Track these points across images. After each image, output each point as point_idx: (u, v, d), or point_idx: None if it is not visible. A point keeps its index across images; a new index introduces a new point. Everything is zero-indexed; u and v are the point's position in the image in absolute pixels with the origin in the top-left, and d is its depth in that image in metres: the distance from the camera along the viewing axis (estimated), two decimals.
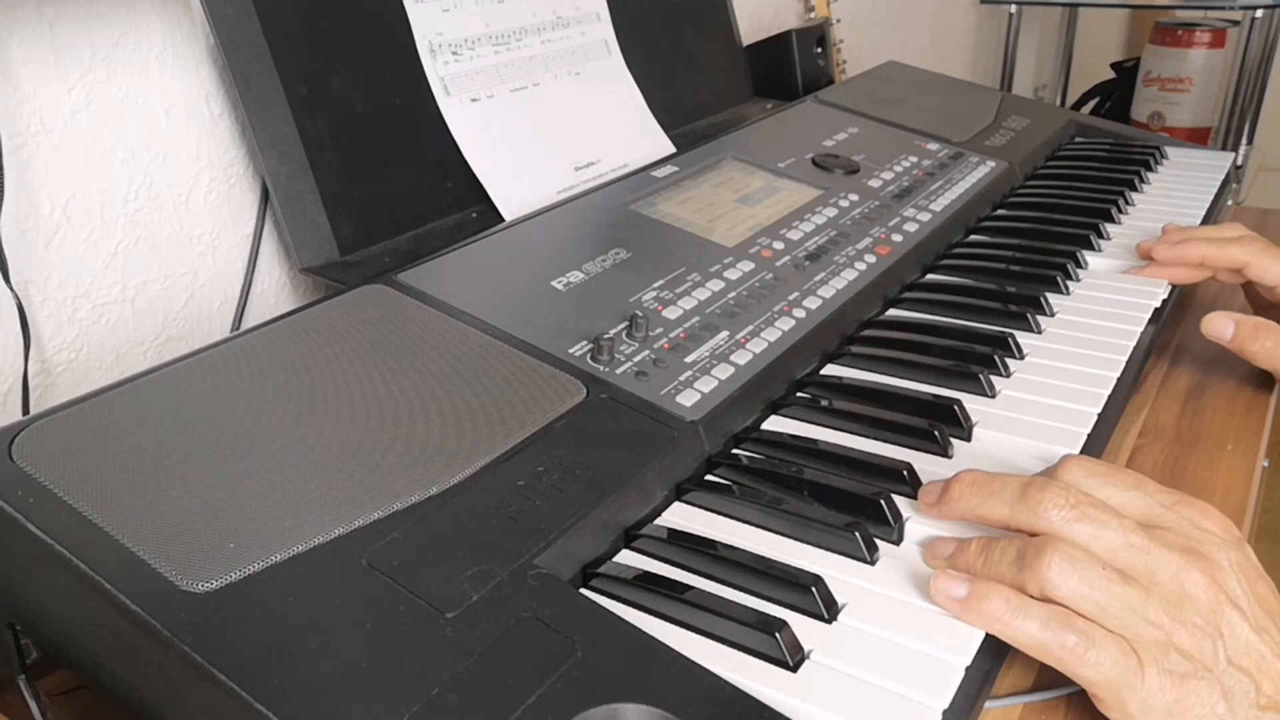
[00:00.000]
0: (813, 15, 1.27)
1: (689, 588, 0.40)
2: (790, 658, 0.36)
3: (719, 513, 0.45)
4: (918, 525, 0.44)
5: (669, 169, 0.72)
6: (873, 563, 0.41)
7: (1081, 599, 0.37)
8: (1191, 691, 0.36)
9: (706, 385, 0.50)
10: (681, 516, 0.45)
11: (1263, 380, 0.62)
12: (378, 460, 0.42)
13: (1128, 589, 0.37)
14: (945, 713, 0.34)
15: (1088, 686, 0.37)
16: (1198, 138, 1.93)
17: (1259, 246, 0.63)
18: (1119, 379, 0.55)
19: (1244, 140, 1.78)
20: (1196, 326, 0.63)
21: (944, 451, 0.48)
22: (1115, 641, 0.36)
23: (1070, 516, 0.38)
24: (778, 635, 0.36)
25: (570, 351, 0.50)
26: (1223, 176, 0.86)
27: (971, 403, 0.52)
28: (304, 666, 0.33)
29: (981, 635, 0.37)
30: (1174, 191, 0.83)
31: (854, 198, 0.72)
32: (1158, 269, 0.66)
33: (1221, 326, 0.59)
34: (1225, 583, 0.38)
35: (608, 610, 0.37)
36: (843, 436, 0.50)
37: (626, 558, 0.43)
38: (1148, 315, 0.61)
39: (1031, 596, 0.37)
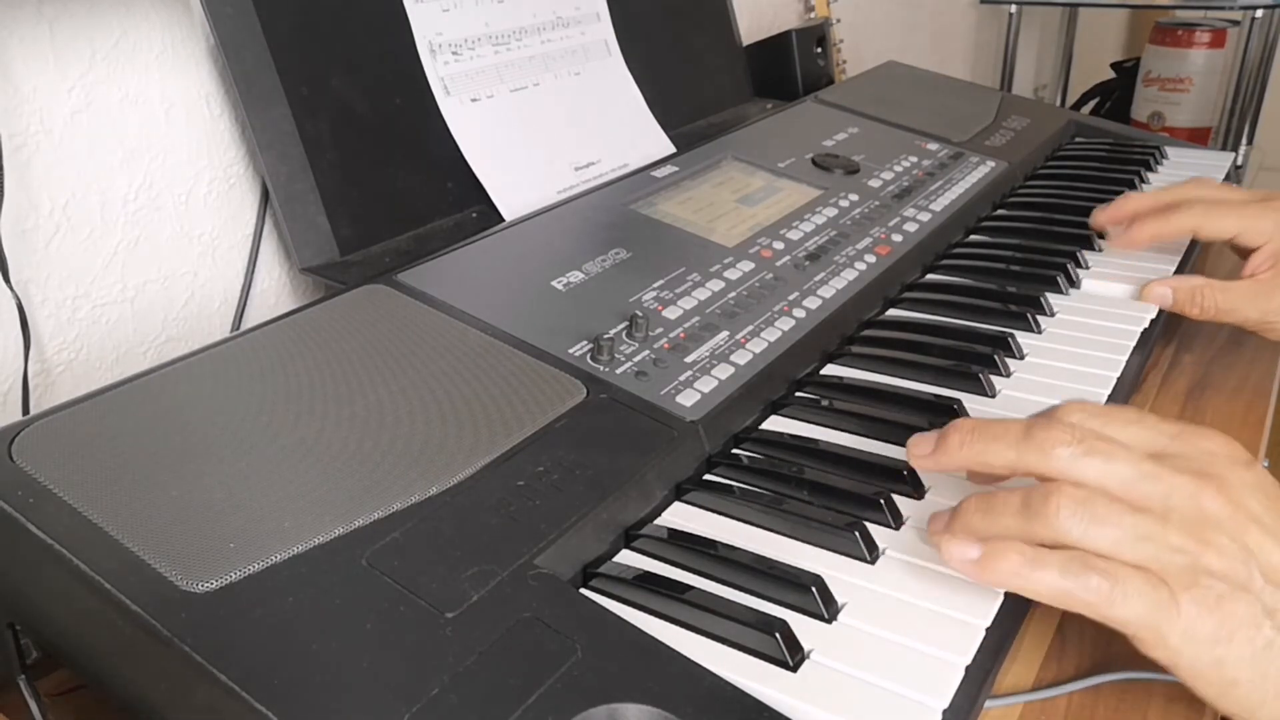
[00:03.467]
0: (813, 15, 1.27)
1: (689, 588, 0.40)
2: (790, 658, 0.36)
3: (719, 513, 0.45)
4: (916, 527, 0.44)
5: (669, 169, 0.72)
6: (873, 563, 0.41)
7: (1098, 537, 0.35)
8: (1232, 614, 0.34)
9: (706, 385, 0.50)
10: (681, 516, 0.45)
11: (1263, 380, 0.62)
12: (378, 460, 0.42)
13: (1144, 519, 0.35)
14: (945, 713, 0.34)
15: (1123, 627, 0.35)
16: (1198, 138, 1.92)
17: (1201, 207, 0.62)
18: (1119, 379, 0.55)
19: (1244, 140, 1.77)
20: (1196, 326, 0.64)
21: None
22: (1142, 575, 0.34)
23: (1079, 452, 0.37)
24: (778, 635, 0.36)
25: (570, 351, 0.50)
26: (1222, 176, 0.86)
27: (971, 403, 0.52)
28: (304, 666, 0.33)
29: (982, 635, 0.37)
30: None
31: (854, 198, 0.72)
32: (1136, 231, 0.65)
33: (1159, 296, 0.60)
34: (1244, 500, 0.36)
35: (608, 610, 0.37)
36: (843, 436, 0.50)
37: (626, 558, 0.43)
38: (1148, 315, 0.61)
39: (1046, 547, 0.36)
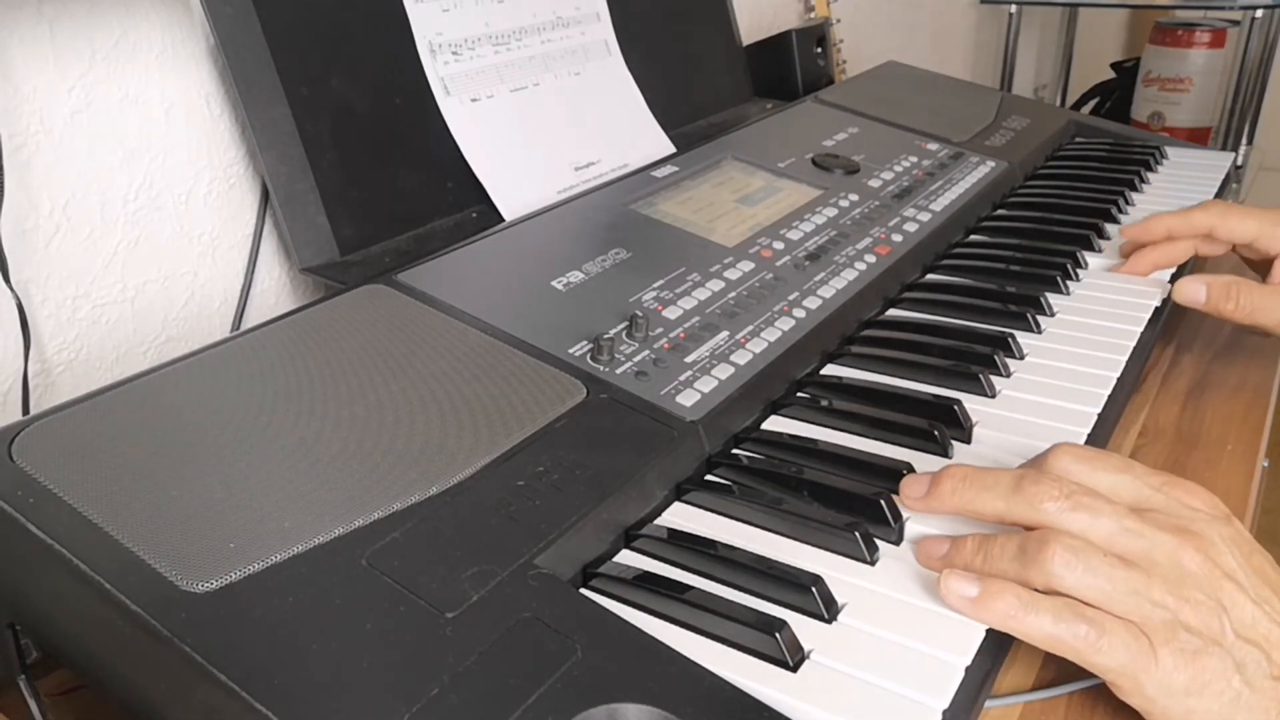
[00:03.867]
0: (813, 15, 1.27)
1: (689, 588, 0.40)
2: (790, 658, 0.36)
3: (719, 513, 0.45)
4: (918, 525, 0.44)
5: (669, 169, 0.72)
6: (873, 563, 0.41)
7: (1087, 588, 0.37)
8: (1206, 668, 0.36)
9: (706, 385, 0.50)
10: (681, 516, 0.45)
11: (1263, 380, 0.62)
12: (378, 460, 0.42)
13: (1130, 573, 0.37)
14: (945, 713, 0.34)
15: (1104, 674, 0.37)
16: (1198, 138, 1.92)
17: (1220, 208, 0.64)
18: (1119, 379, 0.55)
19: (1244, 140, 1.77)
20: (1197, 326, 0.64)
21: (944, 451, 0.48)
22: (1125, 627, 0.36)
23: (1065, 507, 0.39)
24: (778, 635, 0.36)
25: (570, 351, 0.50)
26: (1223, 176, 0.86)
27: (971, 403, 0.52)
28: (304, 666, 0.33)
29: (982, 635, 0.37)
30: (1174, 192, 0.83)
31: (854, 198, 0.72)
32: (1136, 260, 0.67)
33: (1193, 291, 0.59)
34: (1220, 558, 0.38)
35: (608, 610, 0.37)
36: (843, 436, 0.50)
37: (626, 558, 0.43)
38: (1148, 315, 0.62)
39: (1037, 590, 0.38)
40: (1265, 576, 0.39)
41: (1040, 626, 0.37)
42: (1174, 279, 0.67)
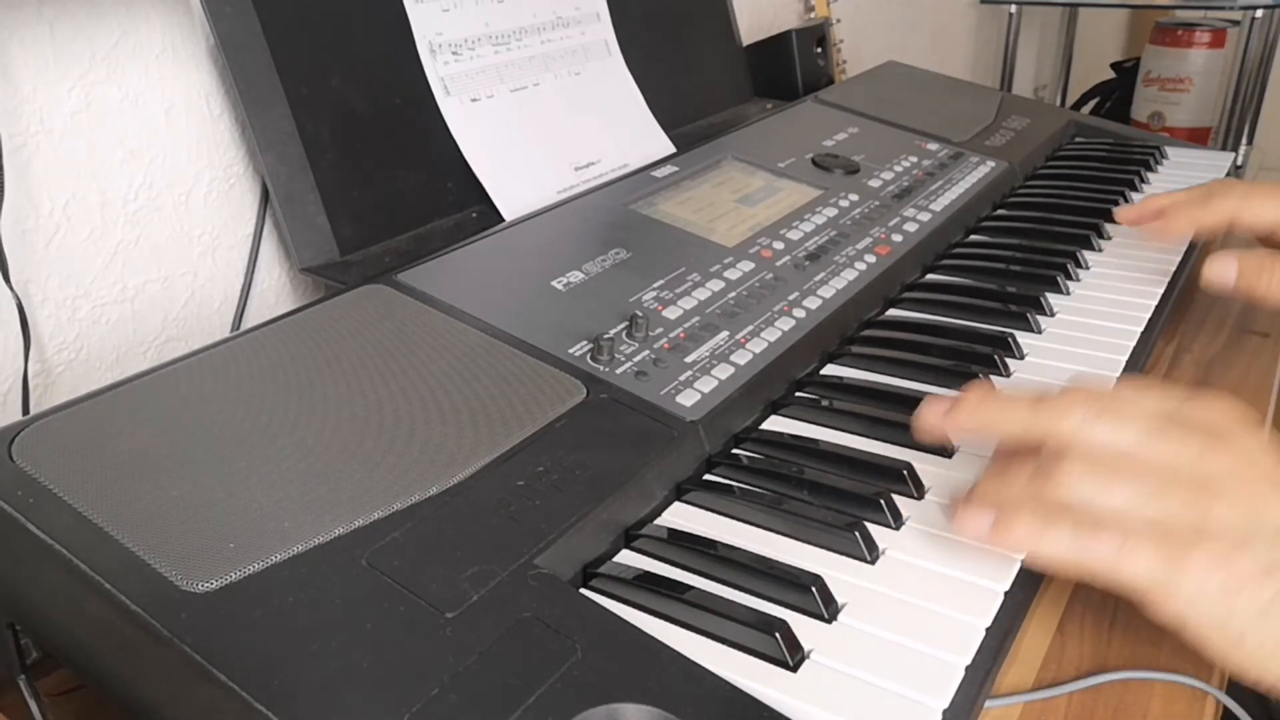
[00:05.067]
0: (813, 15, 1.27)
1: (689, 588, 0.40)
2: (790, 658, 0.36)
3: (719, 513, 0.45)
4: (917, 525, 0.44)
5: (669, 169, 0.72)
6: (873, 563, 0.41)
7: (1108, 497, 0.36)
8: (1239, 569, 0.35)
9: (706, 385, 0.50)
10: (681, 516, 0.45)
11: (1263, 380, 0.62)
12: (378, 460, 0.42)
13: (1153, 478, 0.36)
14: (945, 713, 0.34)
15: (1134, 590, 0.35)
16: (1198, 138, 1.92)
17: (1239, 191, 0.60)
18: (1119, 379, 0.55)
19: (1244, 140, 1.78)
20: (1197, 327, 0.64)
21: (944, 451, 0.48)
22: (1150, 535, 0.35)
23: (1091, 414, 0.38)
24: (778, 635, 0.36)
25: (570, 351, 0.50)
26: (1223, 176, 0.86)
27: None
28: (304, 666, 0.33)
29: (981, 635, 0.37)
30: (1174, 191, 0.83)
31: (854, 198, 0.72)
32: (1171, 220, 0.63)
33: (1223, 269, 0.55)
34: (1251, 458, 0.37)
35: (608, 610, 0.37)
36: (843, 436, 0.50)
37: (626, 558, 0.43)
38: (1148, 315, 0.62)
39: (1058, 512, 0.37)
40: None
41: (1059, 545, 0.36)
42: (1175, 276, 0.67)
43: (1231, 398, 0.40)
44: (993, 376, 0.54)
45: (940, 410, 0.42)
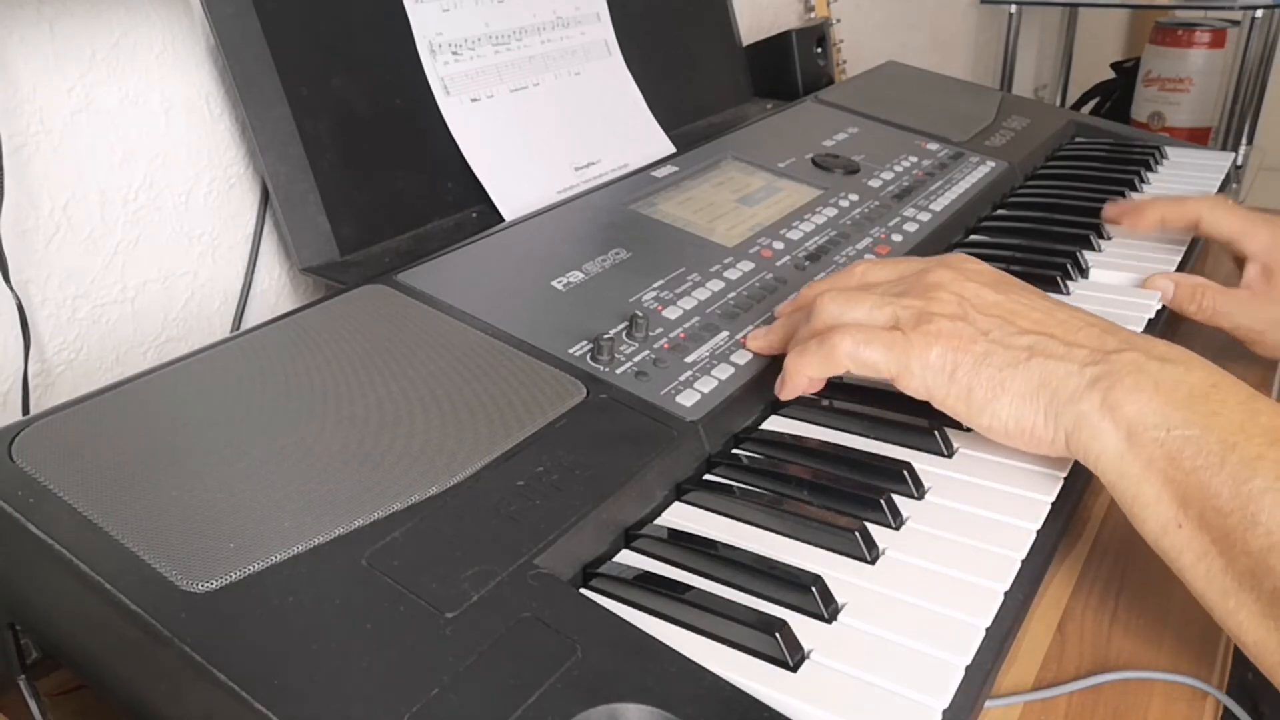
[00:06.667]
0: (813, 15, 1.27)
1: (689, 588, 0.40)
2: (790, 658, 0.36)
3: (719, 513, 0.45)
4: (917, 525, 0.44)
5: (669, 169, 0.72)
6: (873, 562, 0.41)
7: (851, 314, 0.47)
8: (953, 336, 0.44)
9: (706, 385, 0.50)
10: (681, 516, 0.45)
11: (1262, 381, 0.62)
12: (378, 460, 0.42)
13: (884, 296, 0.47)
14: (945, 713, 0.34)
15: (878, 370, 0.45)
16: (1198, 138, 1.92)
17: (1211, 201, 0.66)
18: None
19: (1244, 140, 1.77)
20: (1197, 326, 0.64)
21: (944, 451, 0.48)
22: (885, 330, 0.45)
23: (841, 286, 0.50)
24: (778, 635, 0.36)
25: (570, 351, 0.50)
26: (1222, 176, 0.86)
27: None
28: (304, 666, 0.33)
29: (981, 635, 0.37)
30: (1174, 192, 0.83)
31: (854, 198, 0.72)
32: (1138, 214, 0.69)
33: (1162, 287, 0.63)
34: (965, 272, 0.47)
35: (608, 610, 0.37)
36: (843, 436, 0.50)
37: (626, 558, 0.43)
38: (1148, 315, 0.61)
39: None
40: (1008, 282, 0.48)
41: (811, 353, 0.47)
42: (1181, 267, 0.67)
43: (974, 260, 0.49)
44: None
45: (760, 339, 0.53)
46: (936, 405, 0.45)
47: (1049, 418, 0.42)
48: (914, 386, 0.45)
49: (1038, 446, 0.43)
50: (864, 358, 0.45)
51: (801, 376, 0.48)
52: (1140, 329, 0.61)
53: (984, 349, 0.43)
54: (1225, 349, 0.64)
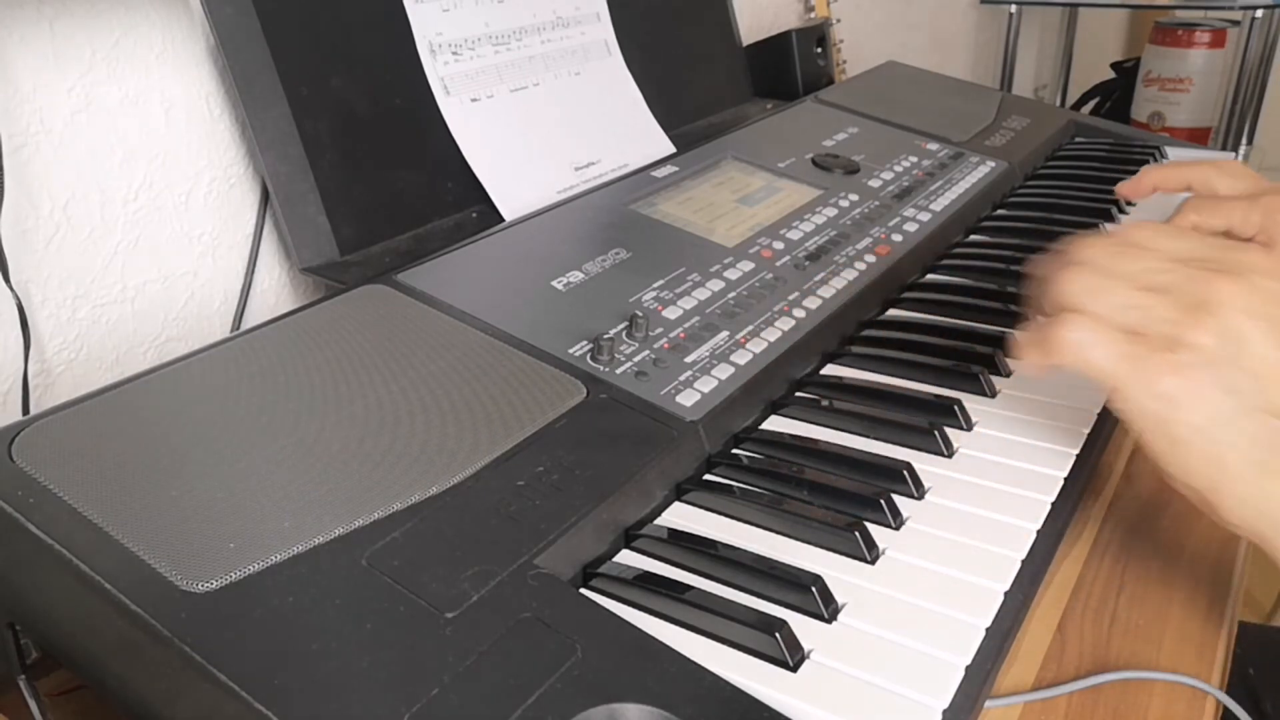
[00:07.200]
0: (813, 15, 1.27)
1: (689, 588, 0.40)
2: (790, 658, 0.36)
3: (719, 512, 0.45)
4: (917, 525, 0.44)
5: (669, 169, 0.72)
6: (873, 563, 0.41)
7: (1094, 303, 0.39)
8: (1197, 382, 0.37)
9: (706, 385, 0.50)
10: (681, 516, 0.45)
11: None
12: (378, 460, 0.42)
13: (1141, 294, 0.39)
14: (945, 713, 0.34)
15: (1095, 375, 0.38)
16: (1198, 138, 1.93)
17: (1204, 170, 0.64)
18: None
19: (1244, 140, 1.78)
20: None
21: (944, 451, 0.48)
22: (1122, 334, 0.38)
23: (1108, 247, 0.41)
24: (778, 635, 0.36)
25: (570, 351, 0.50)
26: None
27: (971, 402, 0.52)
28: (304, 666, 0.33)
29: (981, 635, 0.37)
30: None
31: (854, 198, 0.72)
32: (1136, 182, 0.67)
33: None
34: (1250, 300, 0.37)
35: (608, 610, 0.37)
36: (843, 436, 0.50)
37: (626, 558, 0.43)
38: None
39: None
40: None
41: (1032, 334, 0.40)
42: None
43: (1269, 254, 0.40)
44: (993, 376, 0.54)
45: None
46: (1132, 428, 0.39)
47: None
48: (1121, 406, 0.38)
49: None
50: (1089, 359, 0.38)
51: (1026, 357, 0.41)
52: None
53: (1222, 410, 0.36)
54: None
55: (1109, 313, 0.39)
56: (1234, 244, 0.41)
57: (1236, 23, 1.90)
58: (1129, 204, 0.74)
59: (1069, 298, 0.40)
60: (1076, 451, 0.48)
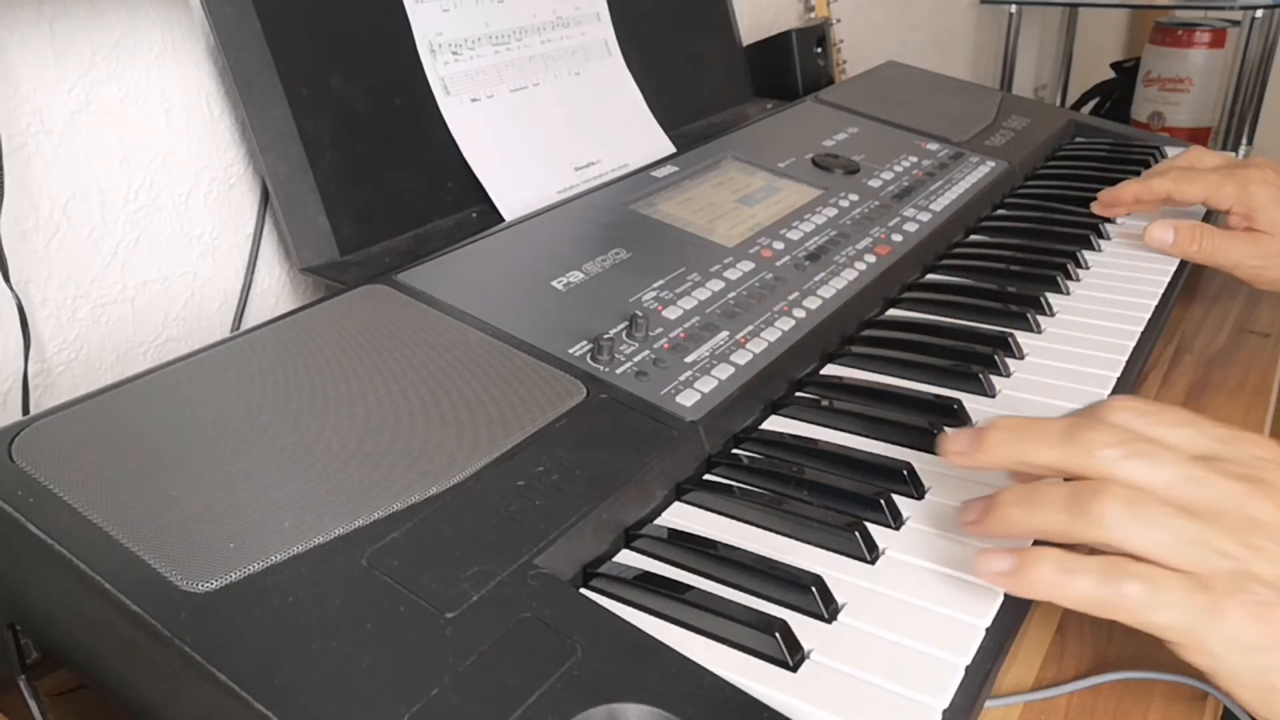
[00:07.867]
0: (813, 15, 1.27)
1: (689, 588, 0.40)
2: (790, 658, 0.36)
3: (719, 512, 0.45)
4: (917, 525, 0.44)
5: (669, 169, 0.72)
6: (873, 562, 0.41)
7: (1144, 540, 0.34)
8: (1277, 621, 0.33)
9: (706, 385, 0.50)
10: (681, 516, 0.45)
11: (1263, 380, 0.62)
12: (378, 460, 0.42)
13: (1191, 522, 0.34)
14: (945, 713, 0.34)
15: (1163, 634, 0.34)
16: (1198, 138, 1.92)
17: (1176, 174, 0.69)
18: (1119, 378, 0.55)
19: (1244, 140, 1.78)
20: (1196, 326, 0.64)
21: None
22: (1185, 580, 0.34)
23: (1123, 454, 0.35)
24: (778, 635, 0.36)
25: (570, 351, 0.50)
26: None
27: (971, 403, 0.52)
28: (304, 666, 0.33)
29: (982, 635, 0.37)
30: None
31: (854, 198, 0.72)
32: (1118, 192, 0.72)
33: (1161, 234, 0.66)
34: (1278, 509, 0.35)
35: (608, 610, 0.37)
36: (843, 436, 0.50)
37: (626, 558, 0.43)
38: (1148, 315, 0.62)
39: (1085, 549, 0.35)
40: None
41: (1084, 589, 0.34)
42: (1175, 275, 0.67)
43: (1272, 441, 0.38)
44: (993, 376, 0.54)
45: (961, 445, 0.40)
46: (1220, 685, 0.35)
47: None
48: (1202, 663, 0.34)
49: None
50: (1153, 619, 0.34)
51: (1064, 595, 0.35)
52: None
53: None
54: (1230, 342, 0.64)
55: (1160, 554, 0.34)
56: (1239, 434, 0.37)
57: (1236, 23, 1.90)
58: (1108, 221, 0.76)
59: (1106, 535, 0.35)
60: None
